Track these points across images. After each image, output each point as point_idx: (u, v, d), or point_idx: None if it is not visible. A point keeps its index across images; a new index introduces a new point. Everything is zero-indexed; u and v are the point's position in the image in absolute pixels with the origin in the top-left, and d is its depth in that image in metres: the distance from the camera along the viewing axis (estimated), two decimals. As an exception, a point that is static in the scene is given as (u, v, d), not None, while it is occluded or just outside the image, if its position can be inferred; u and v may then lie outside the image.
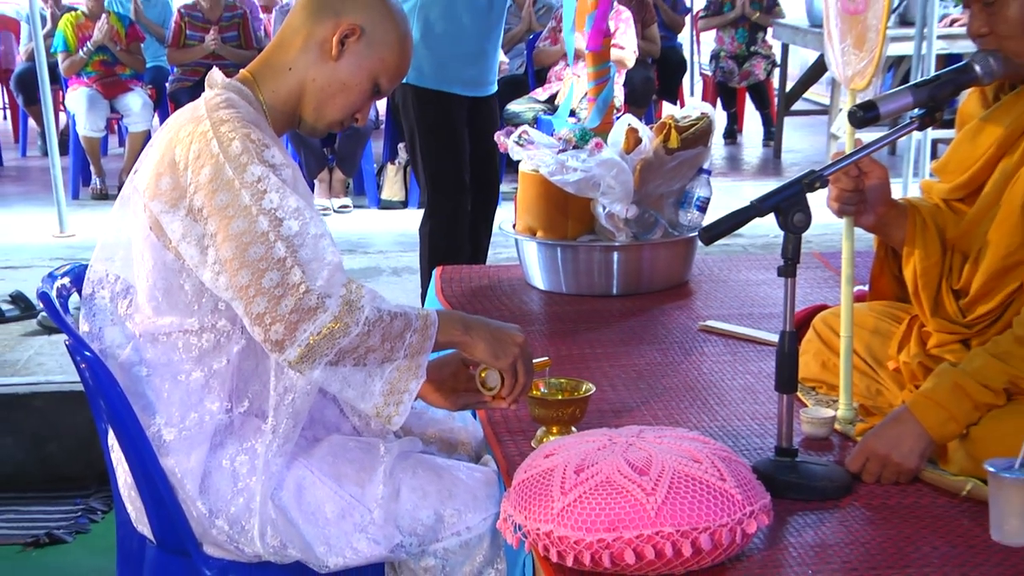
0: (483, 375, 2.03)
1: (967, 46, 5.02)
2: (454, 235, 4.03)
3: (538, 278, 3.17)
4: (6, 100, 8.73)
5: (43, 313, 4.29)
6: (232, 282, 1.84)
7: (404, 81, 3.84)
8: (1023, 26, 1.96)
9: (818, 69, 7.83)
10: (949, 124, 2.37)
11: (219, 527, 1.97)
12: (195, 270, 1.89)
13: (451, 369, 2.10)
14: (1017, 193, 2.02)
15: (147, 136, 6.50)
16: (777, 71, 8.32)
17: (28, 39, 7.28)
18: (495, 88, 4.23)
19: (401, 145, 6.81)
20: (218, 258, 1.85)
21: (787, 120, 8.23)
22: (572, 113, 4.96)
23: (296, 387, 1.94)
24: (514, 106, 6.66)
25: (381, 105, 6.93)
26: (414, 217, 6.43)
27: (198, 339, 1.95)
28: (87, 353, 1.95)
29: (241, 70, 2.04)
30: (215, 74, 2.01)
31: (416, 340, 1.90)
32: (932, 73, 2.12)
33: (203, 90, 2.00)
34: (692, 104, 3.30)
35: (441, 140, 3.99)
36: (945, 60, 6.44)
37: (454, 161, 3.99)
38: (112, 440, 2.03)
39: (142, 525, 2.07)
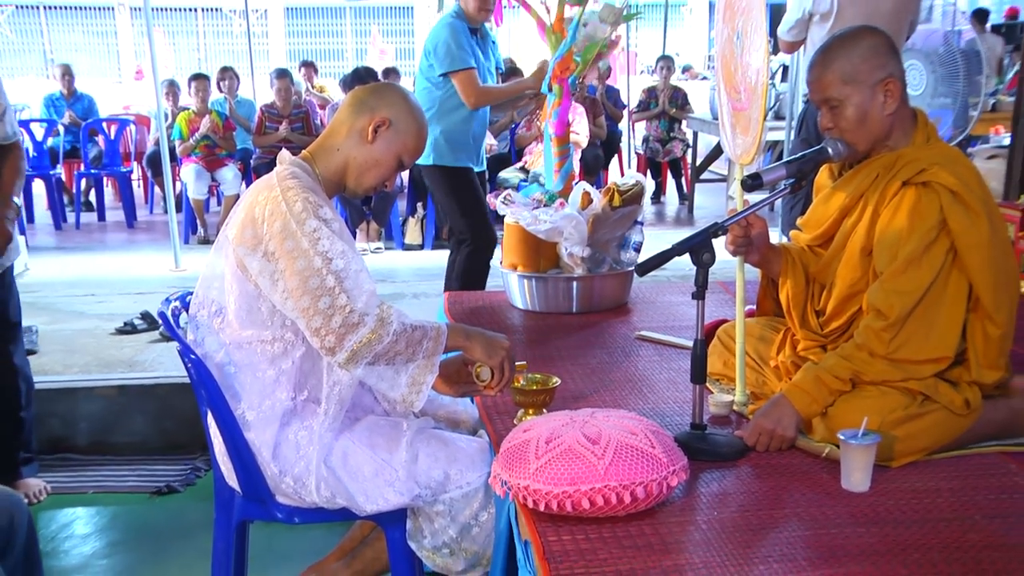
0: (478, 370, 2.02)
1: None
2: (483, 264, 4.05)
3: (518, 300, 3.16)
4: (140, 173, 8.72)
5: (162, 327, 4.27)
6: (296, 305, 1.82)
7: (434, 164, 3.95)
8: (856, 123, 1.98)
9: (718, 150, 7.87)
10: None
11: (287, 483, 1.95)
12: (268, 296, 1.88)
13: (455, 367, 2.09)
14: (856, 243, 2.03)
15: (236, 198, 6.49)
16: (690, 150, 8.35)
17: (155, 130, 7.31)
18: (485, 164, 4.27)
19: (419, 203, 6.82)
20: (286, 287, 1.84)
21: (697, 186, 8.25)
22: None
23: (342, 381, 1.93)
24: (501, 175, 6.66)
25: (404, 175, 6.94)
26: (430, 256, 6.46)
27: (271, 346, 1.93)
28: (192, 356, 1.94)
29: (303, 151, 2.03)
30: (284, 153, 2.01)
31: (431, 345, 1.89)
32: (798, 153, 2.12)
33: (276, 165, 1.99)
34: (629, 174, 3.29)
35: (467, 200, 4.01)
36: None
37: (479, 212, 4.00)
38: (210, 419, 2.01)
39: (232, 480, 2.05)
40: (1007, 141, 4.10)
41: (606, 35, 3.22)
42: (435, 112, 3.91)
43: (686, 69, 13.49)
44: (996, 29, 8.99)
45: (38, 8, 17.06)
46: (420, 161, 3.98)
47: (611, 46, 3.32)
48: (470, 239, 4.07)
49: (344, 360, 1.82)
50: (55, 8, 17.16)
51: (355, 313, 1.80)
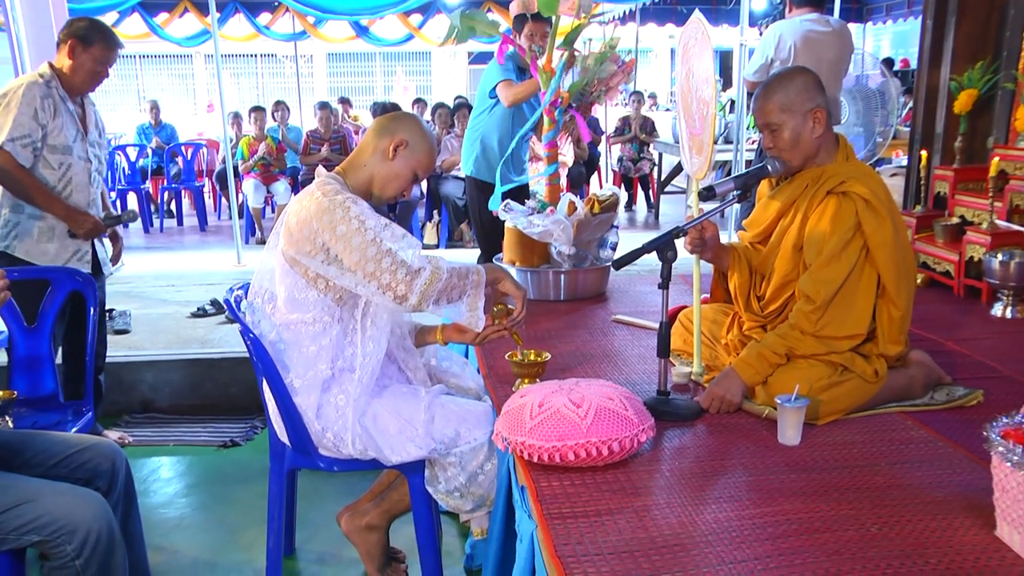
0: (500, 306, 2.00)
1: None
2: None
3: (516, 289, 3.13)
4: (210, 187, 8.71)
5: (227, 311, 4.25)
6: (364, 273, 1.79)
7: (470, 175, 3.88)
8: (791, 143, 1.97)
9: (679, 167, 7.83)
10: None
11: (328, 438, 1.94)
12: (334, 279, 1.84)
13: None
14: (789, 241, 2.03)
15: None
16: (656, 168, 8.32)
17: (223, 152, 7.30)
18: (527, 179, 3.98)
19: (435, 211, 6.78)
20: (349, 264, 1.81)
21: (662, 197, 8.22)
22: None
23: (371, 354, 1.91)
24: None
25: (424, 187, 6.91)
26: (444, 253, 6.42)
27: (312, 327, 1.91)
28: (250, 335, 1.92)
29: (336, 167, 2.01)
30: (320, 169, 1.99)
31: (476, 277, 1.89)
32: (743, 170, 2.11)
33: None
34: (607, 187, 3.27)
35: (485, 215, 3.78)
36: (750, 163, 6.45)
37: (489, 228, 3.84)
38: (265, 386, 2.00)
39: (283, 436, 2.04)
40: (905, 162, 4.11)
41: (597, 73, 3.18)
42: (481, 133, 3.87)
43: (651, 96, 13.73)
44: (896, 74, 9.13)
45: (135, 57, 17.90)
46: (465, 172, 4.01)
47: (622, 71, 3.22)
48: (482, 248, 4.03)
49: (416, 302, 1.80)
50: (147, 56, 17.92)
51: (414, 263, 1.80)
